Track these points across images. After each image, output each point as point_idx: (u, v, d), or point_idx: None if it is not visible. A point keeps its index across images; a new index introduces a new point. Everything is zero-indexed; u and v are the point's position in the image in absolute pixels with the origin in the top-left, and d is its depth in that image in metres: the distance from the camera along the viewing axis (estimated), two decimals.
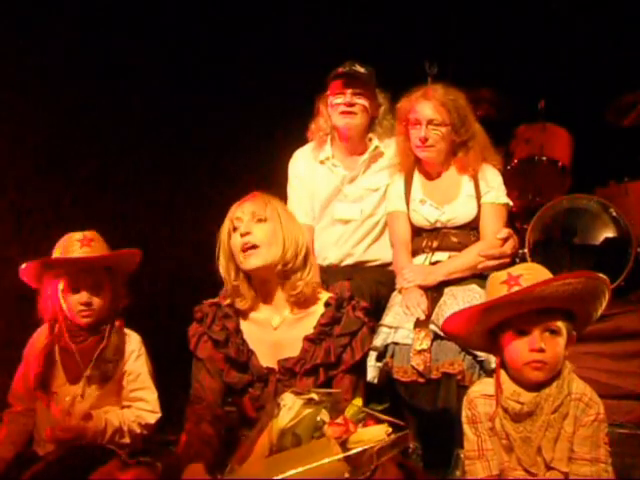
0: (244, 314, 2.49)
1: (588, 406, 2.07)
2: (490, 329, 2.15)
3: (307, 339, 2.40)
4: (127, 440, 2.53)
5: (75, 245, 2.57)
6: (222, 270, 2.47)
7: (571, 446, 2.06)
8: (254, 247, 2.37)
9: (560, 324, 2.05)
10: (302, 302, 2.46)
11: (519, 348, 2.06)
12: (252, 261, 2.38)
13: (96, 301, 2.59)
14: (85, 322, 2.58)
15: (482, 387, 2.20)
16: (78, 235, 2.61)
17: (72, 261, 2.56)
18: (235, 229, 2.42)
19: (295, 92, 3.89)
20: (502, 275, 2.10)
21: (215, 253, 2.52)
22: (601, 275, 2.06)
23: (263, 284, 2.45)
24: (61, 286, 2.59)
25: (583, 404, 2.07)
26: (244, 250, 2.38)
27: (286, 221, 2.46)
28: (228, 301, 2.47)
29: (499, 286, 2.08)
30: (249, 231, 2.38)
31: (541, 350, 2.02)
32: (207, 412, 2.36)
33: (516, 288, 2.03)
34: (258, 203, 2.45)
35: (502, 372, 2.13)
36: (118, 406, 2.60)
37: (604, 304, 2.10)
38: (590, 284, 2.04)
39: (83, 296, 2.56)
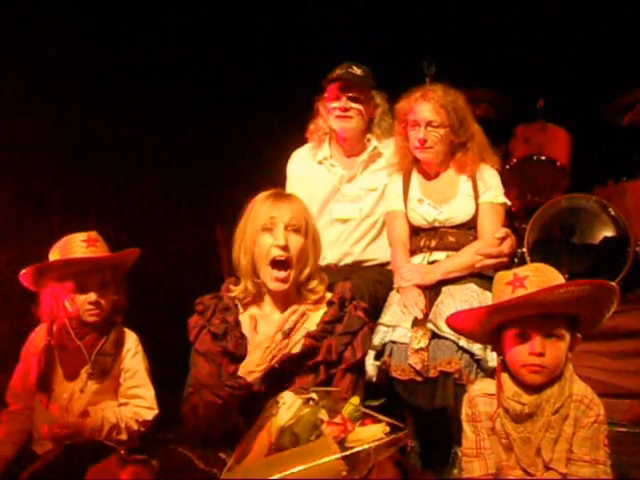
0: (246, 307, 2.49)
1: (589, 408, 2.06)
2: (493, 328, 2.14)
3: (309, 336, 2.40)
4: (124, 436, 2.55)
5: (80, 246, 2.59)
6: (242, 266, 2.43)
7: (570, 447, 2.06)
8: (285, 265, 2.35)
9: (562, 329, 2.04)
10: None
11: (519, 350, 2.05)
12: (279, 286, 2.37)
13: (103, 299, 2.62)
14: (93, 320, 2.61)
15: (483, 386, 2.19)
16: (82, 236, 2.62)
17: (86, 261, 2.57)
18: (266, 229, 2.36)
19: (294, 92, 3.91)
20: (508, 275, 2.08)
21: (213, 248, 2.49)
22: (607, 282, 2.03)
23: (278, 292, 2.44)
24: (68, 287, 2.59)
25: (584, 406, 2.06)
26: (273, 264, 2.35)
27: (316, 237, 2.45)
28: (235, 293, 2.46)
29: (504, 287, 2.07)
30: (287, 244, 2.34)
31: (541, 354, 2.01)
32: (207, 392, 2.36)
33: (520, 290, 2.02)
34: (296, 210, 2.38)
35: (503, 372, 2.13)
36: (115, 403, 2.62)
37: (612, 309, 2.08)
38: (595, 291, 2.02)
39: (92, 296, 2.59)
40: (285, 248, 2.34)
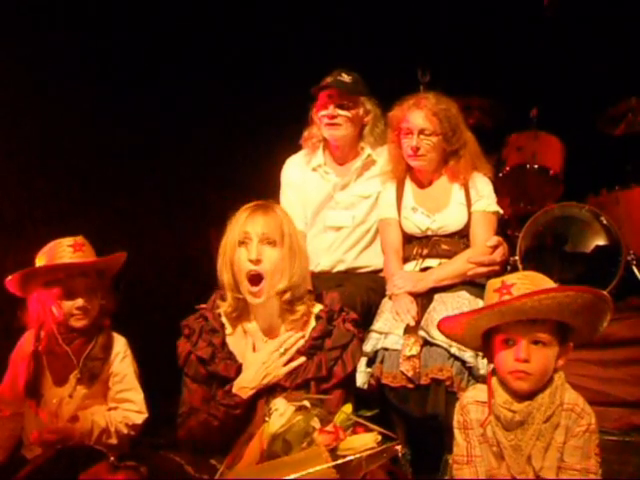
0: (234, 324, 2.46)
1: (580, 417, 2.06)
2: (484, 333, 2.14)
3: (299, 353, 2.38)
4: (114, 441, 2.54)
5: (67, 251, 2.58)
6: (224, 281, 2.40)
7: (561, 456, 2.06)
8: (259, 278, 2.33)
9: (549, 335, 2.03)
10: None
11: (505, 356, 2.05)
12: (255, 301, 2.35)
13: (90, 304, 2.60)
14: (80, 325, 2.59)
15: (475, 393, 2.20)
16: (68, 241, 2.61)
17: (72, 266, 2.56)
18: (241, 243, 2.35)
19: (289, 99, 3.91)
20: (496, 283, 2.09)
21: (205, 252, 2.46)
22: (594, 289, 2.03)
23: (259, 306, 2.41)
24: (55, 292, 2.57)
25: (575, 414, 2.06)
26: (248, 278, 2.33)
27: (295, 248, 2.38)
28: (222, 308, 2.43)
29: (492, 294, 2.08)
30: (259, 258, 2.31)
31: (525, 360, 2.01)
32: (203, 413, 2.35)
33: (506, 297, 2.02)
34: (271, 223, 2.35)
35: (495, 379, 2.13)
36: (104, 407, 2.61)
37: (605, 318, 2.08)
38: (580, 298, 2.01)
39: (79, 301, 2.58)
40: (257, 262, 2.31)
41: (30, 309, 2.62)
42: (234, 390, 2.32)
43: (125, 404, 2.62)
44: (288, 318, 2.41)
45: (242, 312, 2.43)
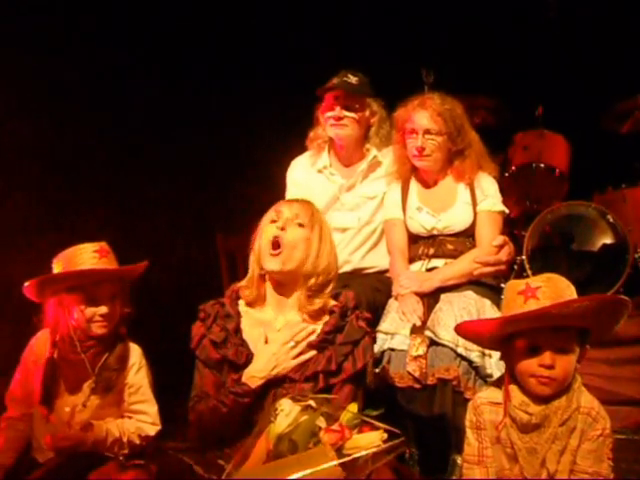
0: (247, 313, 2.49)
1: (595, 421, 2.05)
2: (503, 336, 2.13)
3: (310, 346, 2.40)
4: (126, 451, 2.51)
5: (93, 256, 2.52)
6: (255, 250, 2.48)
7: (574, 459, 2.05)
8: (279, 247, 2.39)
9: (572, 342, 2.03)
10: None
11: (529, 361, 2.03)
12: (271, 265, 2.40)
13: (112, 312, 2.55)
14: (101, 332, 2.54)
15: (490, 394, 2.18)
16: (94, 246, 2.55)
17: (103, 272, 2.52)
18: (274, 221, 2.45)
19: (294, 100, 3.92)
20: (520, 284, 2.06)
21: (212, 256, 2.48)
22: (622, 297, 2.03)
23: (277, 286, 2.46)
24: (77, 298, 2.52)
25: (591, 418, 2.05)
26: (272, 245, 2.40)
27: (325, 238, 2.47)
28: (241, 284, 2.50)
29: (516, 296, 2.05)
30: (284, 227, 2.41)
31: (550, 367, 2.00)
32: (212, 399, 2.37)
33: (532, 300, 2.00)
34: (304, 207, 2.48)
35: (511, 381, 2.12)
36: (118, 417, 2.59)
37: (621, 321, 2.07)
38: (609, 305, 2.02)
39: (102, 308, 2.52)
40: (281, 229, 2.40)
41: (48, 314, 2.57)
42: (243, 379, 2.34)
43: (140, 416, 2.59)
44: (306, 308, 2.44)
45: (260, 292, 2.48)
